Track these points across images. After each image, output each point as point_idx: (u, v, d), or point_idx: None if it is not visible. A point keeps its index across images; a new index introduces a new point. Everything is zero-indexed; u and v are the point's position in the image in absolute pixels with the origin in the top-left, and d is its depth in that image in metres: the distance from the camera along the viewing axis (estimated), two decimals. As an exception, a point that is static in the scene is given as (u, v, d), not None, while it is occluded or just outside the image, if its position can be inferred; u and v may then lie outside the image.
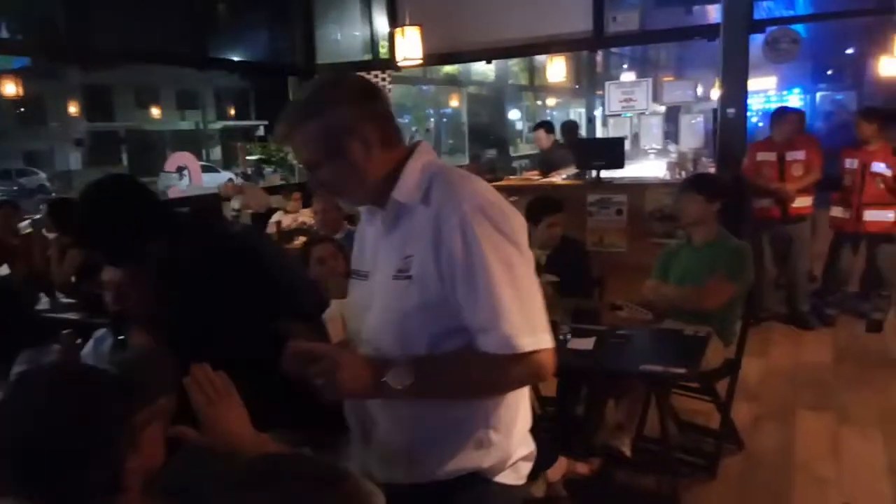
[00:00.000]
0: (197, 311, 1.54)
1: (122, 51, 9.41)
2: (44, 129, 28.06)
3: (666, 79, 15.80)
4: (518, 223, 1.24)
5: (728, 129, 5.20)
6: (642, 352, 2.73)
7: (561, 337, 2.75)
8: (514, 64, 22.58)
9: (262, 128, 21.58)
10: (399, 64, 5.88)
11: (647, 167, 7.57)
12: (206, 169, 17.89)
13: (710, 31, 5.42)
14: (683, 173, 5.23)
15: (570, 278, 3.32)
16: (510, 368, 1.20)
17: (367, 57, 7.36)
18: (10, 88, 8.39)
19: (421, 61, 5.79)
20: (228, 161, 26.87)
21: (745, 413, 3.46)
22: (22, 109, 27.08)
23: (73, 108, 28.26)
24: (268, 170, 9.10)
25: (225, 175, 18.59)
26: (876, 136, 4.65)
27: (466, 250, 1.18)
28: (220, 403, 1.18)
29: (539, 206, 3.38)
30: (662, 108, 7.93)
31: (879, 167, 4.59)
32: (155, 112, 31.19)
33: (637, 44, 10.96)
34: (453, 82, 22.32)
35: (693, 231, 3.21)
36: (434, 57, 6.16)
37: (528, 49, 6.78)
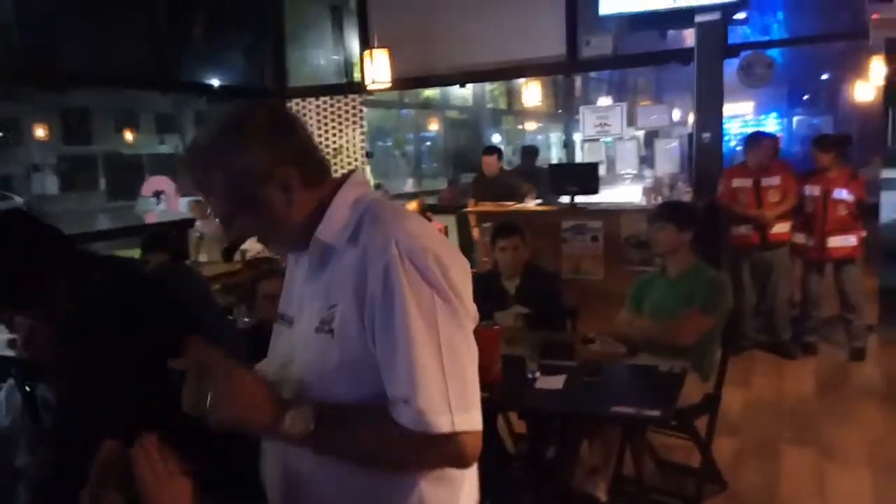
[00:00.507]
0: (96, 360, 1.35)
1: (84, 73, 9.25)
2: (19, 153, 27.61)
3: (642, 103, 15.90)
4: (459, 274, 1.04)
5: (704, 153, 5.12)
6: (614, 391, 2.55)
7: (529, 375, 2.59)
8: (493, 88, 22.68)
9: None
10: (368, 87, 5.77)
11: (623, 192, 7.48)
12: (187, 193, 17.63)
13: (684, 56, 5.38)
14: (660, 198, 5.13)
15: (540, 310, 3.19)
16: (423, 449, 1.01)
17: (343, 80, 7.28)
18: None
19: (390, 84, 5.68)
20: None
21: (726, 448, 3.31)
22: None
23: (49, 132, 27.85)
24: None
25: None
26: (834, 164, 4.60)
27: (387, 303, 1.00)
28: (170, 484, 1.01)
29: (493, 230, 3.35)
30: (640, 133, 7.87)
31: (842, 194, 4.53)
32: (133, 136, 30.88)
33: (611, 68, 10.97)
34: (430, 106, 22.32)
35: (668, 261, 3.08)
36: (405, 80, 6.06)
37: (501, 73, 6.72)
